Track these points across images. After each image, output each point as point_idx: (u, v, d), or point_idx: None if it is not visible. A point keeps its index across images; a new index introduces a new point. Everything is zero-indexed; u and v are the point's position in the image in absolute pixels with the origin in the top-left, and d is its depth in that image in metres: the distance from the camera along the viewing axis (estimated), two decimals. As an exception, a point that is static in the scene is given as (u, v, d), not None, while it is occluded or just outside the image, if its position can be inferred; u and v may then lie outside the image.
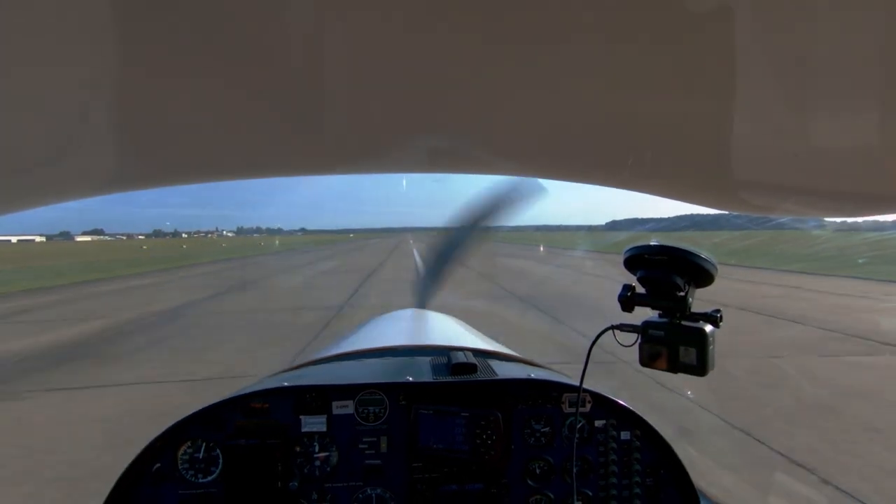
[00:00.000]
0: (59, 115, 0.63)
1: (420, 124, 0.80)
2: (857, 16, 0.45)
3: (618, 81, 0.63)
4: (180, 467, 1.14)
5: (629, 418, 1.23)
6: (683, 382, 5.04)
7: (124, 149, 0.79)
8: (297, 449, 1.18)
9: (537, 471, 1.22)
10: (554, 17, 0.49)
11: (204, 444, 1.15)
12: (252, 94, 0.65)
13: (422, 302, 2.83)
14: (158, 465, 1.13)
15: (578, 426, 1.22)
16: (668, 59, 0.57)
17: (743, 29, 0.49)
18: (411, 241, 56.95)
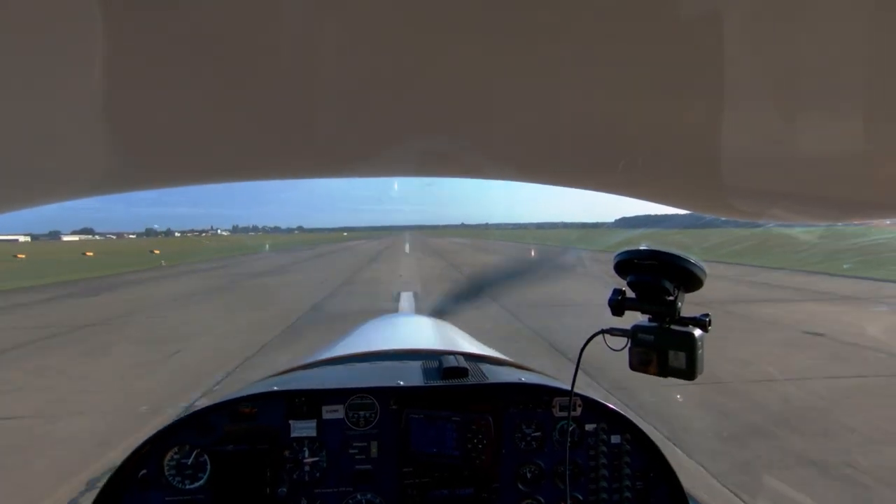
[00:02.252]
0: (53, 115, 0.62)
1: (412, 128, 0.80)
2: (847, 23, 0.45)
3: (609, 87, 0.63)
4: (167, 473, 1.12)
5: (619, 422, 1.23)
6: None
7: (119, 149, 0.78)
8: (287, 454, 1.17)
9: (528, 475, 1.22)
10: (547, 23, 0.49)
11: (191, 450, 1.14)
12: (244, 96, 0.65)
13: (443, 310, 2.85)
14: (144, 471, 1.11)
15: (569, 430, 1.23)
16: (658, 65, 0.57)
17: (733, 36, 0.49)
18: (407, 248, 45.37)
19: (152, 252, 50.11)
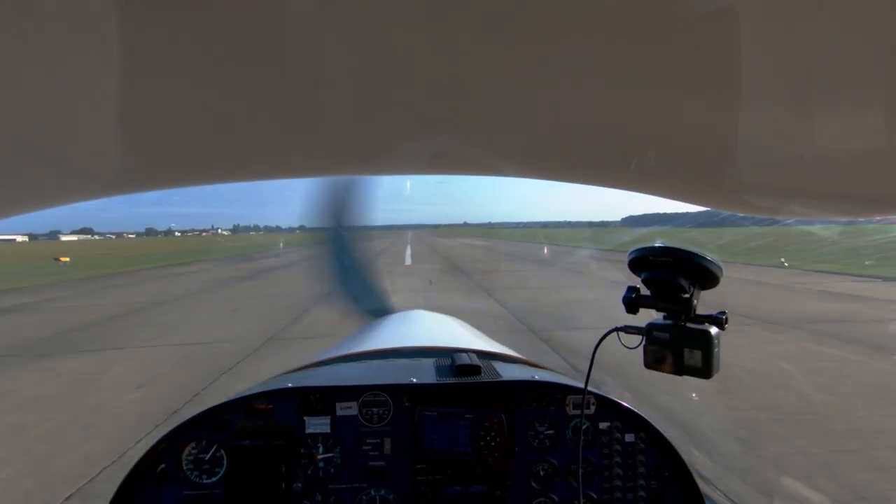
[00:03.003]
0: (57, 118, 0.63)
1: (422, 126, 0.80)
2: (862, 17, 0.45)
3: (622, 83, 0.63)
4: (185, 468, 1.14)
5: (633, 420, 1.23)
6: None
7: (125, 151, 0.79)
8: (301, 450, 1.18)
9: (541, 473, 1.22)
10: (557, 19, 0.49)
11: (208, 445, 1.15)
12: (254, 95, 0.65)
13: (379, 310, 2.80)
14: (163, 465, 1.14)
15: (583, 428, 1.23)
16: (671, 60, 0.57)
17: (748, 31, 0.49)
18: (408, 256, 29.18)
19: (56, 260, 36.75)
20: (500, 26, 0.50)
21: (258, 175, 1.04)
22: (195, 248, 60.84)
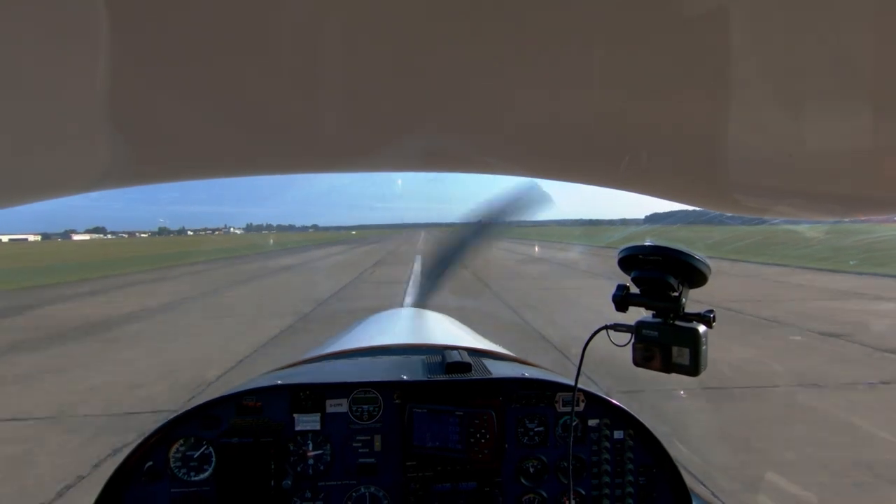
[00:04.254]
0: (59, 110, 0.63)
1: (416, 124, 0.80)
2: (852, 18, 0.45)
3: (613, 83, 0.63)
4: (172, 465, 1.14)
5: (623, 418, 1.23)
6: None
7: (123, 144, 0.79)
8: (291, 447, 1.18)
9: (531, 470, 1.22)
10: (551, 19, 0.49)
11: (197, 442, 1.15)
12: (250, 91, 0.65)
13: (421, 300, 2.83)
14: (150, 463, 1.13)
15: (573, 425, 1.23)
16: (663, 60, 0.57)
17: (739, 31, 0.49)
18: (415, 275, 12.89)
19: None
20: (493, 25, 0.50)
21: (254, 171, 1.05)
22: (143, 253, 45.62)
